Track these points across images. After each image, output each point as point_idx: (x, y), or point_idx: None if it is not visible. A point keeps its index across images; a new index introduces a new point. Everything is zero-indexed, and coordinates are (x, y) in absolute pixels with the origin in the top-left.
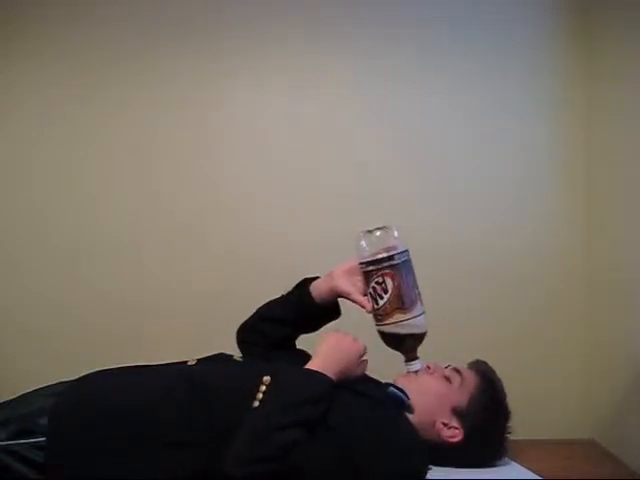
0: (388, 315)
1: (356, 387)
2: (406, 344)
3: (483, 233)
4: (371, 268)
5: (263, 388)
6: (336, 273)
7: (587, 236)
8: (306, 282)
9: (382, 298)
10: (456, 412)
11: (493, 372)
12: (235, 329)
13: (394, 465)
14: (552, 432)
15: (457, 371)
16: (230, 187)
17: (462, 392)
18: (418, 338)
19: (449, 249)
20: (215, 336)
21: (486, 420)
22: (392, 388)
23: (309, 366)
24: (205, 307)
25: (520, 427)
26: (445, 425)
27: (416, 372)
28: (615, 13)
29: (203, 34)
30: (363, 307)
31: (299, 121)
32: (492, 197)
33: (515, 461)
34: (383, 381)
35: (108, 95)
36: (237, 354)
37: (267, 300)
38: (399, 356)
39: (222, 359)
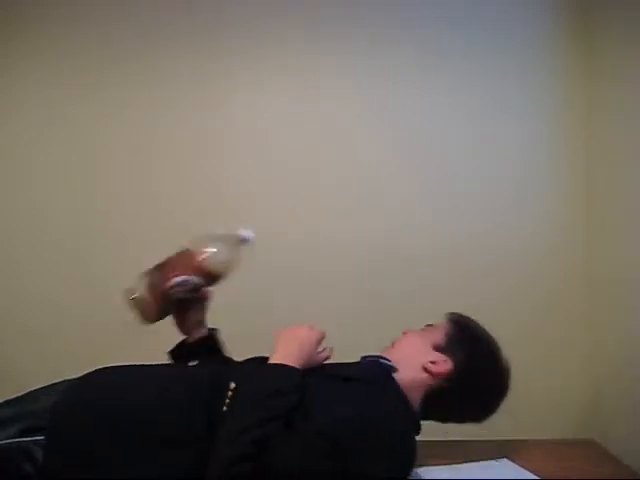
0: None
1: (326, 372)
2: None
3: (483, 233)
4: None
5: (229, 394)
6: None
7: (587, 236)
8: None
9: None
10: (439, 348)
11: (464, 315)
12: (235, 329)
13: (380, 440)
14: (552, 432)
15: (429, 325)
16: (230, 187)
17: (437, 331)
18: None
19: (449, 249)
20: None
21: (470, 344)
22: (366, 358)
23: (271, 361)
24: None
25: (520, 427)
26: (433, 363)
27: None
28: (615, 13)
29: (203, 34)
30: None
31: (299, 121)
32: (492, 197)
33: (515, 461)
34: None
35: (108, 95)
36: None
37: (267, 301)
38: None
39: (221, 360)
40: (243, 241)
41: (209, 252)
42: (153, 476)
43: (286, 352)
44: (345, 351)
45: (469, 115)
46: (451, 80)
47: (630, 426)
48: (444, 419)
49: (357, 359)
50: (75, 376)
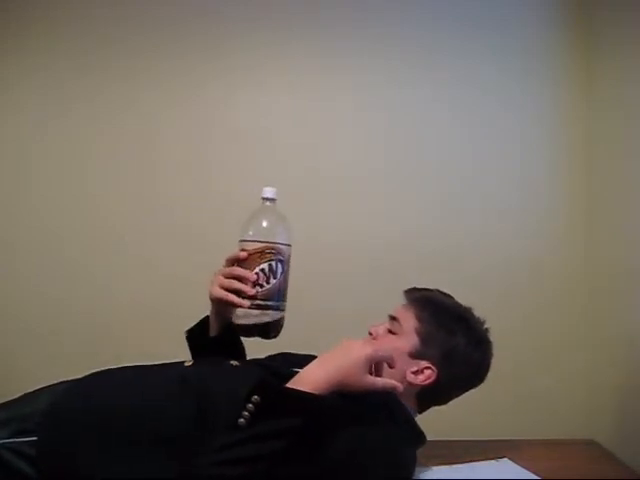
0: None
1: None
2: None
3: (482, 234)
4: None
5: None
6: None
7: (587, 236)
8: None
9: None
10: (416, 354)
11: (424, 290)
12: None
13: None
14: (552, 432)
15: (393, 318)
16: (233, 187)
17: (408, 333)
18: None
19: (448, 249)
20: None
21: (447, 337)
22: None
23: (299, 378)
24: (205, 308)
25: (520, 427)
26: (415, 373)
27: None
28: (615, 13)
29: (205, 34)
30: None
31: (302, 120)
32: (492, 197)
33: (515, 461)
34: None
35: (109, 95)
36: (233, 359)
37: None
38: None
39: (218, 362)
40: (266, 200)
41: (250, 237)
42: (151, 475)
43: (320, 370)
44: None
45: (469, 115)
46: (451, 80)
47: (630, 426)
48: (444, 403)
49: None
50: (73, 377)
